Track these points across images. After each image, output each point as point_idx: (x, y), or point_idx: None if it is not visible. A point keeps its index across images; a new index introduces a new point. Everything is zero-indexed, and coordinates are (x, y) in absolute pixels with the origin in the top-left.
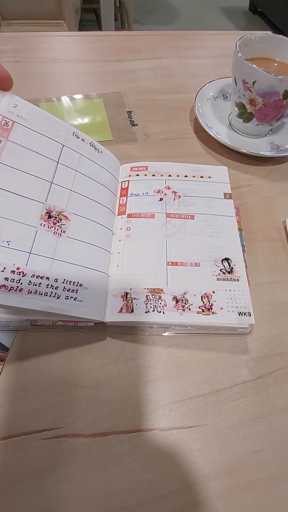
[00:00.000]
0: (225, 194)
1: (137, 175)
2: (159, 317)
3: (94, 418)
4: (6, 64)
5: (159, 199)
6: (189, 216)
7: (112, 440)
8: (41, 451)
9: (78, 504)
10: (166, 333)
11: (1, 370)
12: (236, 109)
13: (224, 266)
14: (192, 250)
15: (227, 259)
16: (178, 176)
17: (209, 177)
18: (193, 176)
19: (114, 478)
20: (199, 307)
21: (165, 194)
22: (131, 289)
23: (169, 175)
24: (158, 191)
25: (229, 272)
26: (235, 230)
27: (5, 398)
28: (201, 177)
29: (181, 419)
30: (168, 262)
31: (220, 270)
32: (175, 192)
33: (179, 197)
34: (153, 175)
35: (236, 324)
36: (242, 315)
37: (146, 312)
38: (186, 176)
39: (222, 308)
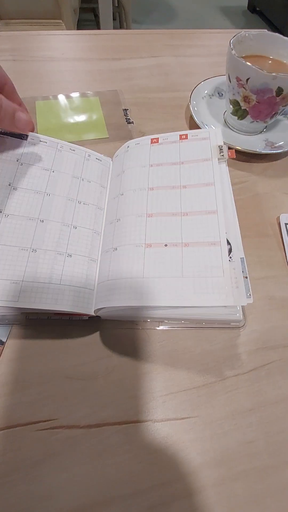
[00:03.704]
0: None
1: None
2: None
3: (89, 410)
4: (4, 63)
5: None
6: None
7: (106, 431)
8: (36, 442)
9: (73, 494)
10: (160, 327)
11: None
12: (231, 106)
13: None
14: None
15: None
16: None
17: None
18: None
19: (108, 468)
20: None
21: None
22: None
23: None
24: None
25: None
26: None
27: (1, 390)
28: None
29: (174, 411)
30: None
31: None
32: None
33: None
34: None
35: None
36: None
37: None
38: None
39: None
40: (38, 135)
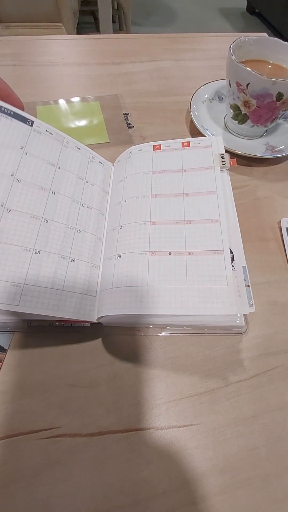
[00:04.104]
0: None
1: None
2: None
3: (91, 417)
4: (4, 68)
5: None
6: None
7: (108, 439)
8: (38, 450)
9: (75, 503)
10: (162, 333)
11: None
12: (231, 111)
13: None
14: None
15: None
16: None
17: None
18: None
19: (110, 476)
20: None
21: None
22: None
23: None
24: None
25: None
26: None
27: (3, 398)
28: None
29: (176, 418)
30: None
31: None
32: None
33: None
34: None
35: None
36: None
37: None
38: None
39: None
40: (44, 123)
